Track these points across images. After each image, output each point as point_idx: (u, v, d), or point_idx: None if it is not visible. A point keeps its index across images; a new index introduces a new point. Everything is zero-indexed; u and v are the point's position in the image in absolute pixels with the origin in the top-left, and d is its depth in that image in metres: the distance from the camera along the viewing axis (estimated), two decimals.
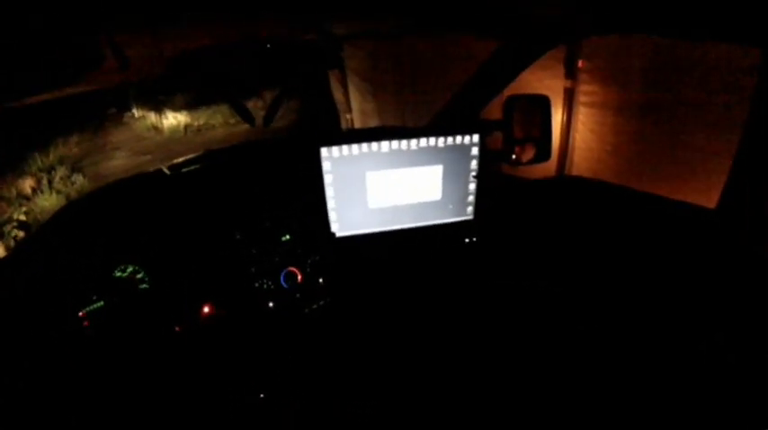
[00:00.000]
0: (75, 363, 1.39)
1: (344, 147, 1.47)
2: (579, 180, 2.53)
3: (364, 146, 1.47)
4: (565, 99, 2.72)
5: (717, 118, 2.10)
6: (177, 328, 1.47)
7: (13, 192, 6.09)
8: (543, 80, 2.62)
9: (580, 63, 2.65)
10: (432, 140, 1.52)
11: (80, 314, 1.39)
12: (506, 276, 1.78)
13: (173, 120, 8.41)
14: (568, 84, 2.71)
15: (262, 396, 1.50)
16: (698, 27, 1.36)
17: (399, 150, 1.50)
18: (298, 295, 1.56)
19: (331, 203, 1.54)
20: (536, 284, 1.73)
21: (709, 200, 1.44)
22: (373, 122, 2.72)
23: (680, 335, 1.44)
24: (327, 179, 1.51)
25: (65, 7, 1.23)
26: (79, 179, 6.51)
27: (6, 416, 1.30)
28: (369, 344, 1.66)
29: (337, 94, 2.81)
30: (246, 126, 1.82)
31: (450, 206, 1.64)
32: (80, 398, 1.38)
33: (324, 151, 1.47)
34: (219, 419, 1.48)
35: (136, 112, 8.62)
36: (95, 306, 1.42)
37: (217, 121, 8.49)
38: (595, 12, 1.48)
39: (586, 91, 2.70)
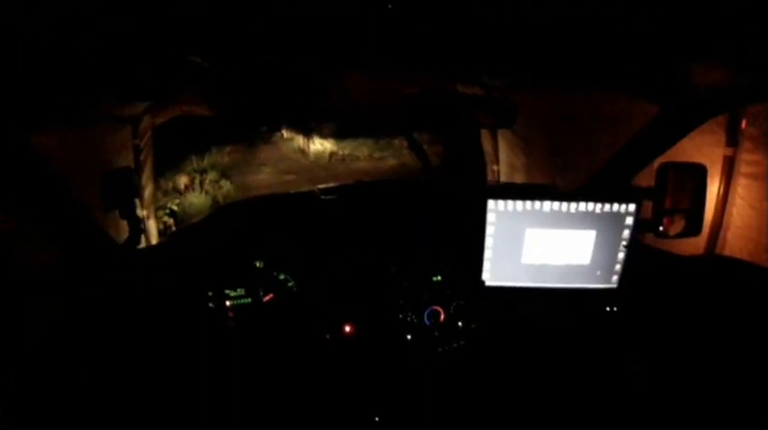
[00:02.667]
0: (214, 350, 1.52)
1: (510, 202, 1.57)
2: (732, 261, 2.33)
3: (528, 203, 1.56)
4: (723, 168, 2.52)
5: None
6: (327, 336, 1.59)
7: (170, 185, 7.05)
8: (701, 146, 2.47)
9: (743, 125, 2.45)
10: (590, 205, 1.56)
11: (227, 304, 1.55)
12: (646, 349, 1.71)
13: (319, 146, 8.79)
14: (729, 151, 2.50)
15: (377, 419, 1.54)
16: None
17: (559, 211, 1.57)
18: (436, 333, 1.65)
19: (488, 253, 1.64)
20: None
21: None
22: (520, 178, 2.75)
23: None
24: (489, 230, 1.61)
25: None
26: (226, 185, 7.25)
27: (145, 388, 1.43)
28: (493, 393, 1.68)
29: (486, 146, 2.89)
30: (392, 162, 1.98)
31: (598, 272, 1.66)
32: (218, 387, 1.47)
33: (491, 203, 1.58)
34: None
35: (285, 134, 9.19)
36: (242, 301, 1.58)
37: (362, 153, 8.70)
38: (759, 77, 1.41)
39: (750, 160, 2.48)
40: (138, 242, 1.76)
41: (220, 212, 2.00)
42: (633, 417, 1.58)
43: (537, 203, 1.56)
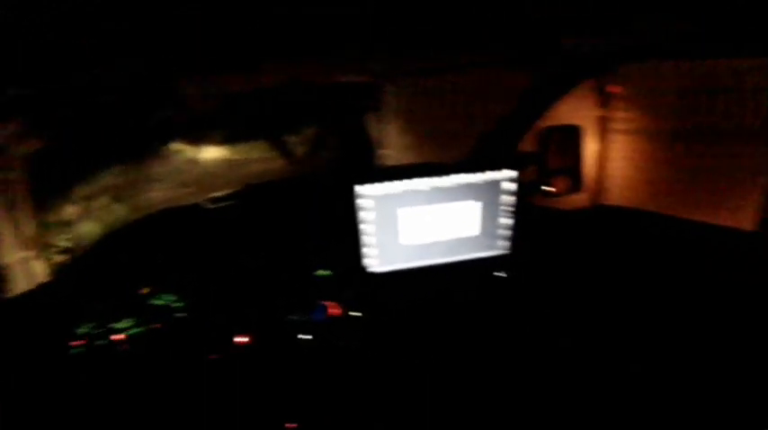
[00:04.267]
0: (109, 384, 1.42)
1: (380, 185, 1.50)
2: (615, 209, 2.48)
3: (400, 183, 1.50)
4: (599, 127, 2.68)
5: (752, 140, 2.05)
6: (211, 356, 1.50)
7: (56, 218, 6.38)
8: (576, 110, 2.60)
9: (613, 89, 2.62)
10: (468, 176, 1.53)
11: (122, 337, 1.45)
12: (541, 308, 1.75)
13: (212, 153, 8.77)
14: (602, 112, 2.67)
15: (287, 426, 1.48)
16: (730, 45, 1.35)
17: (436, 187, 1.52)
18: (331, 329, 1.58)
19: (367, 240, 1.56)
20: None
21: (748, 221, 1.40)
22: (411, 159, 2.74)
23: (720, 358, 1.39)
24: (363, 216, 1.53)
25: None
26: (119, 208, 6.72)
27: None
28: (401, 379, 1.65)
29: (374, 131, 2.85)
30: (285, 162, 1.88)
31: (487, 241, 1.64)
32: (112, 418, 1.39)
33: (360, 189, 1.50)
34: None
35: (176, 145, 8.96)
36: (133, 331, 1.48)
37: (256, 156, 8.87)
38: (628, 40, 1.48)
39: (620, 118, 2.66)
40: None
41: (105, 241, 1.83)
42: (551, 380, 1.61)
43: (412, 182, 1.51)
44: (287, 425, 1.48)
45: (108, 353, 1.47)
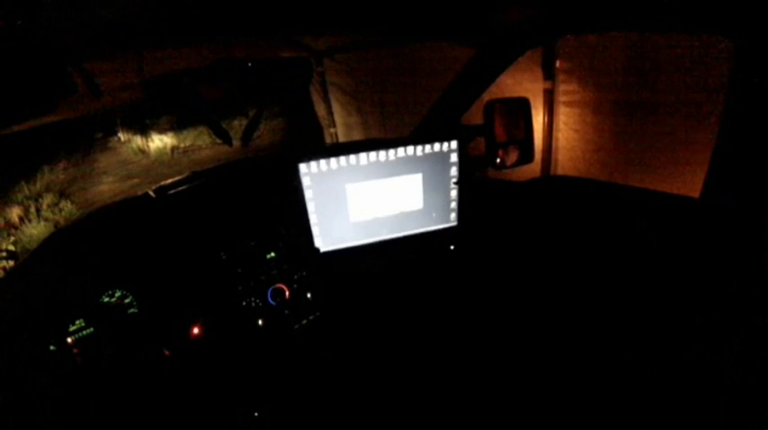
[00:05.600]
0: (65, 391, 1.36)
1: (323, 162, 1.47)
2: (565, 179, 2.55)
3: (342, 159, 1.48)
4: (545, 100, 2.73)
5: (694, 110, 2.12)
6: (167, 352, 1.45)
7: (1, 221, 6.03)
8: (522, 83, 2.64)
9: (558, 63, 2.67)
10: (410, 150, 1.53)
11: (69, 341, 1.37)
12: (494, 280, 1.79)
13: (159, 142, 8.36)
14: (548, 85, 2.72)
15: (256, 414, 1.49)
16: (670, 20, 1.38)
17: (378, 162, 1.51)
18: (286, 311, 1.56)
19: (313, 218, 1.54)
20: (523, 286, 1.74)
21: (693, 189, 1.45)
22: (357, 136, 2.72)
23: (671, 327, 1.45)
24: (308, 194, 1.51)
25: (35, 37, 1.23)
26: (67, 206, 6.42)
27: None
28: (359, 356, 1.66)
29: (320, 110, 2.82)
30: (234, 146, 1.82)
31: (434, 214, 1.65)
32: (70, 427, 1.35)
33: (302, 167, 1.47)
34: None
35: (122, 137, 8.54)
36: (85, 333, 1.40)
37: (203, 142, 8.43)
38: (566, 12, 1.50)
39: (566, 91, 2.72)
40: None
41: (49, 241, 1.72)
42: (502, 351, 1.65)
43: (352, 158, 1.49)
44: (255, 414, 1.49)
45: (61, 359, 1.38)
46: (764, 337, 1.24)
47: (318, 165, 1.47)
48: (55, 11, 1.17)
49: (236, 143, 1.67)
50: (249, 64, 1.52)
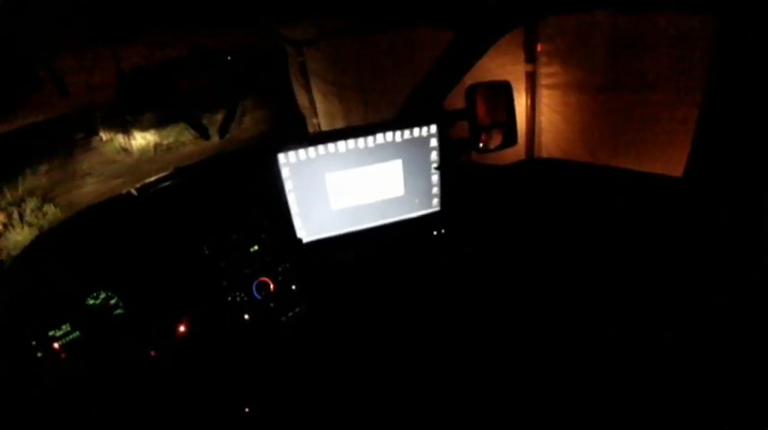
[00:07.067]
0: (54, 396, 1.36)
1: (301, 152, 1.46)
2: (549, 161, 2.55)
3: (321, 148, 1.46)
4: (527, 83, 2.72)
5: (676, 89, 2.13)
6: (153, 353, 1.45)
7: None
8: (504, 66, 2.61)
9: (539, 46, 2.66)
10: (389, 136, 1.51)
11: (56, 347, 1.37)
12: (479, 264, 1.79)
13: (141, 140, 8.24)
14: (529, 67, 2.69)
15: (246, 410, 1.49)
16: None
17: (357, 149, 1.49)
18: (272, 305, 1.55)
19: (294, 209, 1.53)
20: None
21: (676, 168, 1.46)
22: (340, 125, 2.71)
23: (655, 308, 1.46)
24: (288, 185, 1.49)
25: None
26: (51, 209, 6.24)
27: None
28: (347, 347, 1.65)
29: (302, 100, 2.79)
30: (217, 140, 1.80)
31: (416, 200, 1.64)
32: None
33: (281, 157, 1.46)
34: None
35: (103, 136, 8.43)
36: (71, 337, 1.40)
37: (186, 138, 8.36)
38: None
39: (548, 73, 2.70)
40: None
41: (32, 245, 1.71)
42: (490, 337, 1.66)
43: (331, 146, 1.48)
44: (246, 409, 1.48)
45: (49, 364, 1.38)
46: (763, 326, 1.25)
47: (297, 155, 1.46)
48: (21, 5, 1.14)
49: (215, 137, 1.65)
50: (225, 55, 1.50)
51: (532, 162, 2.53)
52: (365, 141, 1.49)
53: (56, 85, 1.29)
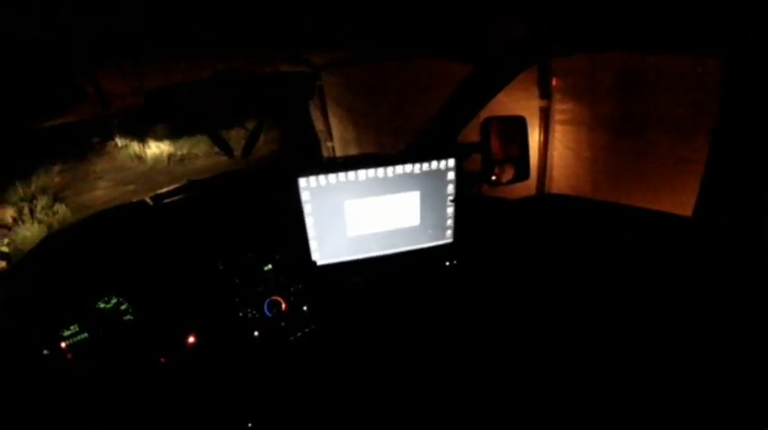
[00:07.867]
0: (58, 396, 1.36)
1: (322, 177, 1.49)
2: (559, 197, 2.58)
3: (341, 175, 1.50)
4: (541, 118, 2.77)
5: (685, 127, 2.16)
6: (162, 360, 1.45)
7: None
8: (519, 101, 2.68)
9: (553, 82, 2.71)
10: (408, 167, 1.55)
11: (63, 346, 1.37)
12: (489, 296, 1.80)
13: (156, 149, 8.29)
14: (543, 103, 2.76)
15: (249, 425, 1.49)
16: (660, 40, 1.41)
17: (376, 178, 1.53)
18: (282, 323, 1.57)
19: (311, 232, 1.56)
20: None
21: (685, 207, 1.47)
22: (354, 151, 2.74)
23: (666, 341, 1.46)
24: (306, 209, 1.52)
25: (53, 46, 1.25)
26: (61, 209, 6.37)
27: None
28: (354, 369, 1.66)
29: (318, 124, 2.84)
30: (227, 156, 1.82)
31: (429, 231, 1.67)
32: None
33: (302, 181, 1.49)
34: None
35: (119, 142, 8.45)
36: (79, 338, 1.40)
37: (200, 151, 8.39)
38: (561, 33, 1.53)
39: (561, 109, 2.76)
40: None
41: (44, 244, 1.72)
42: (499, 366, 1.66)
43: (351, 174, 1.51)
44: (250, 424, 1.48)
45: (55, 364, 1.38)
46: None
47: (318, 180, 1.49)
48: (68, 19, 1.20)
49: (236, 154, 1.69)
50: (252, 78, 1.54)
51: (543, 197, 2.56)
52: (385, 171, 1.53)
53: (97, 93, 1.35)
